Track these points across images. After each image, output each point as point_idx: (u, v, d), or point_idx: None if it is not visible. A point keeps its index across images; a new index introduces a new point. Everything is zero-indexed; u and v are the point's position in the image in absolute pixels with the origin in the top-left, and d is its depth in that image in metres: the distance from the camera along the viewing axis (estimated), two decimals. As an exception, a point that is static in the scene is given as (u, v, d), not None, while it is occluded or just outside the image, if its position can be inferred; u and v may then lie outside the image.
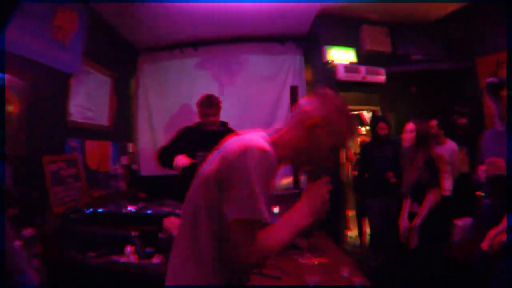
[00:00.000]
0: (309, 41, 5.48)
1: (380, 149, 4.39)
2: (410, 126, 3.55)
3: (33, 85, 3.11)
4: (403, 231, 3.42)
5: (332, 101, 1.46)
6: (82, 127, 3.99)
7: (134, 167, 5.34)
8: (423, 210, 3.31)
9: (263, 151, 1.26)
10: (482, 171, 2.55)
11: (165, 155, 3.64)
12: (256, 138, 1.35)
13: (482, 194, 3.11)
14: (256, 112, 5.42)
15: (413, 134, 3.48)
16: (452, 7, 4.66)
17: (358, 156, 5.13)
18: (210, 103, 3.67)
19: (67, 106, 3.71)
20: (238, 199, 1.23)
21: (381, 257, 4.02)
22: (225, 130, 3.63)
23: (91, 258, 2.69)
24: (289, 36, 5.54)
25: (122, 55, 5.17)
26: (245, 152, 1.25)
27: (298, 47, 5.65)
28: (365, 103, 5.11)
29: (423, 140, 3.48)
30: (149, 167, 5.35)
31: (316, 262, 2.49)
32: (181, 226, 1.43)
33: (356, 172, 5.09)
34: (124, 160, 4.98)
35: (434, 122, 4.18)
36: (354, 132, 1.56)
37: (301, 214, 1.38)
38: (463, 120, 4.60)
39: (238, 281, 1.39)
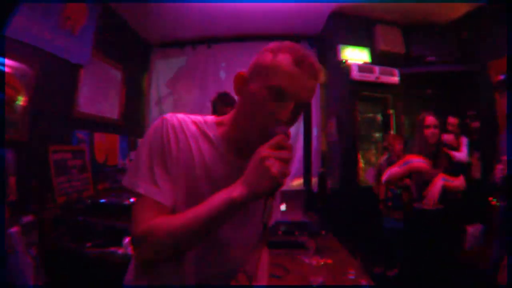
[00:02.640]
0: (322, 40, 5.42)
1: None
2: (431, 119, 3.13)
3: (41, 73, 3.07)
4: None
5: (265, 47, 1.08)
6: (91, 119, 3.96)
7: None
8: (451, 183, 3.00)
9: (161, 119, 1.10)
10: (499, 170, 2.40)
11: None
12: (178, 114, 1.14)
13: (494, 199, 2.98)
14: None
15: (437, 130, 3.10)
16: (464, 8, 4.55)
17: None
18: (227, 102, 3.50)
19: (75, 97, 3.67)
20: (129, 168, 1.09)
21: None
22: None
23: (88, 248, 2.62)
24: (303, 35, 5.46)
25: (134, 50, 5.16)
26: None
27: (311, 46, 5.56)
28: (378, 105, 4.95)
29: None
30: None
31: (321, 263, 2.37)
32: None
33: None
34: (133, 155, 4.91)
35: (455, 120, 3.89)
36: (307, 67, 0.99)
37: (227, 189, 0.97)
38: (476, 124, 4.43)
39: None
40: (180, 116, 1.13)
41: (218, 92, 3.43)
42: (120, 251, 2.57)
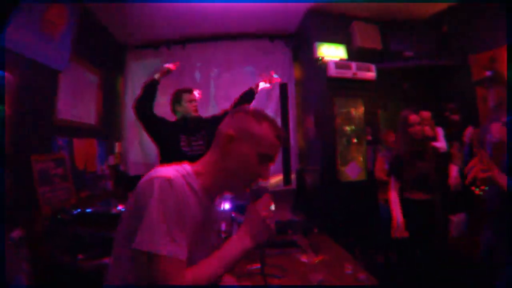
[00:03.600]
0: (298, 38, 5.49)
1: None
2: (414, 117, 3.25)
3: (21, 80, 3.03)
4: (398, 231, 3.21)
5: (244, 111, 1.41)
6: (69, 125, 3.92)
7: (121, 167, 5.19)
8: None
9: (165, 180, 1.21)
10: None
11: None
12: (165, 170, 1.28)
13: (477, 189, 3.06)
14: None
15: (420, 126, 3.22)
16: (444, 4, 4.68)
17: None
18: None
19: (55, 103, 3.63)
20: (139, 229, 1.16)
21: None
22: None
23: (81, 261, 2.57)
24: (278, 34, 5.54)
25: (109, 52, 5.11)
26: (148, 183, 1.21)
27: (287, 44, 5.64)
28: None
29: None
30: (137, 167, 5.24)
31: (317, 260, 2.40)
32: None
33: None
34: (111, 160, 4.84)
35: (427, 114, 4.00)
36: (282, 135, 1.38)
37: (240, 243, 1.29)
38: (456, 117, 4.56)
39: None
40: (174, 174, 1.25)
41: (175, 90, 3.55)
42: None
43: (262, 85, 3.79)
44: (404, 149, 3.26)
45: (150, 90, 3.34)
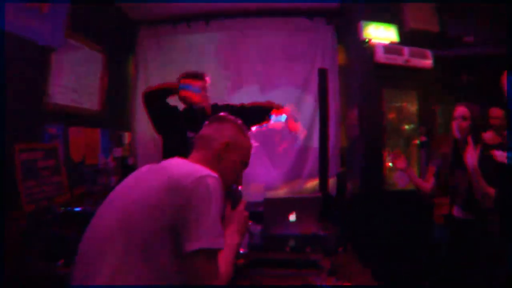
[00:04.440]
0: (341, 16, 5.33)
1: None
2: (461, 110, 3.12)
3: (4, 60, 2.97)
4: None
5: (233, 122, 1.86)
6: (65, 111, 3.89)
7: (130, 160, 5.20)
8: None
9: (216, 178, 1.50)
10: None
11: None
12: (202, 167, 1.57)
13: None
14: (279, 97, 5.30)
15: (468, 122, 3.06)
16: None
17: None
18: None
19: (46, 86, 3.59)
20: (199, 229, 1.38)
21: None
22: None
23: (59, 267, 2.55)
24: (318, 10, 5.36)
25: (117, 28, 5.06)
26: (201, 180, 1.45)
27: (329, 23, 5.47)
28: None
29: (479, 127, 3.11)
30: (148, 160, 5.25)
31: (338, 286, 2.29)
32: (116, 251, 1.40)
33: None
34: (118, 152, 4.85)
35: (499, 112, 3.76)
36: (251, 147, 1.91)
37: (231, 239, 1.64)
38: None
39: None
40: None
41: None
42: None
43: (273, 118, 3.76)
44: (444, 151, 3.15)
45: (165, 94, 3.41)
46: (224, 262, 1.49)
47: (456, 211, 3.10)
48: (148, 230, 1.39)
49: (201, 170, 1.51)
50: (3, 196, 2.83)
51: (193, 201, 1.39)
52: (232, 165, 1.78)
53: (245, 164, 1.86)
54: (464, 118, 3.06)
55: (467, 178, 2.95)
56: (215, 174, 1.51)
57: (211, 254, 1.41)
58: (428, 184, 3.37)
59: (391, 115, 4.62)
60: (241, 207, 1.78)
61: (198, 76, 3.48)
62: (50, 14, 3.44)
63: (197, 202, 1.39)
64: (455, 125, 3.11)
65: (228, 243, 1.57)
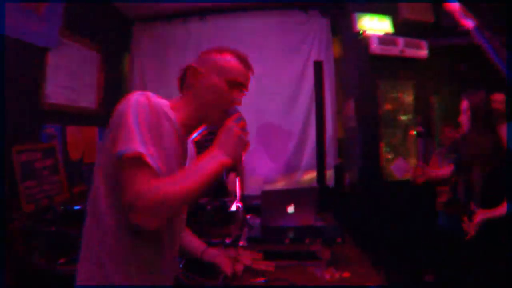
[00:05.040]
0: (336, 7, 5.34)
1: None
2: (462, 103, 3.15)
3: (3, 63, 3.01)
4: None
5: (206, 50, 1.67)
6: (63, 110, 3.91)
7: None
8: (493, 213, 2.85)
9: (138, 94, 1.39)
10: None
11: None
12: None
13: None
14: (276, 90, 5.33)
15: (468, 114, 3.09)
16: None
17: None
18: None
19: (42, 86, 3.61)
20: (116, 139, 1.30)
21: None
22: None
23: (60, 265, 2.58)
24: (313, 3, 5.40)
25: (112, 26, 5.08)
26: (124, 99, 1.39)
27: (324, 15, 5.49)
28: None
29: (484, 118, 3.04)
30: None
31: (338, 277, 2.32)
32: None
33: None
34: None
35: (500, 96, 3.75)
36: (247, 64, 1.66)
37: (213, 156, 1.43)
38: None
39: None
40: (152, 95, 1.44)
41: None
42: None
43: None
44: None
45: None
46: (172, 181, 1.32)
47: (475, 207, 3.04)
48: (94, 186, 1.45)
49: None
50: (3, 198, 2.85)
51: (114, 118, 1.37)
52: (212, 89, 1.56)
53: (233, 82, 1.59)
54: (464, 111, 3.10)
55: (481, 176, 2.97)
56: (141, 92, 1.42)
57: (128, 160, 1.26)
58: (445, 170, 3.43)
59: (388, 106, 4.65)
60: (229, 120, 1.52)
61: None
62: (46, 14, 3.47)
63: (116, 118, 1.36)
64: (460, 121, 3.17)
65: (194, 163, 1.46)
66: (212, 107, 1.57)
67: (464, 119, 3.11)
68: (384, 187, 4.53)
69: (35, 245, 2.73)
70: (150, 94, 1.42)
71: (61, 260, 2.63)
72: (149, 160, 1.26)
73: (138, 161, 1.26)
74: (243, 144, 1.47)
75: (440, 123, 4.68)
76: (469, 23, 2.76)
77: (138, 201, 1.22)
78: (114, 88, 5.03)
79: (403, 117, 4.73)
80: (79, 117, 4.20)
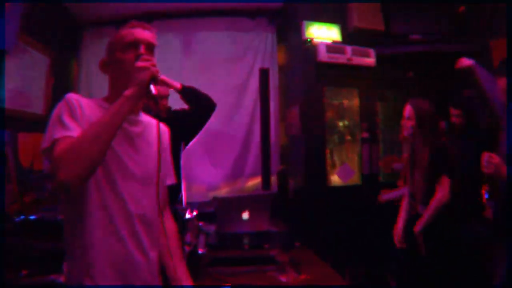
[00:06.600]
0: (284, 16, 5.45)
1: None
2: (407, 110, 3.26)
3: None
4: (396, 239, 3.28)
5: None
6: (14, 116, 3.86)
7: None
8: (426, 212, 3.04)
9: (62, 99, 1.55)
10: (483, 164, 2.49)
11: None
12: None
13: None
14: (220, 99, 5.36)
15: (412, 121, 3.21)
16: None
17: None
18: None
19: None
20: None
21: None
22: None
23: (23, 277, 2.56)
24: (261, 10, 5.47)
25: (63, 30, 5.02)
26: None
27: (270, 23, 5.60)
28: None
29: (427, 124, 3.19)
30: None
31: (299, 279, 2.43)
32: None
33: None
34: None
35: (456, 111, 3.83)
36: (130, 24, 1.72)
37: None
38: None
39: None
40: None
41: None
42: (61, 279, 2.53)
43: None
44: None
45: None
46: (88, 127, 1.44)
47: (421, 209, 3.19)
48: None
49: None
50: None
51: None
52: (120, 64, 1.62)
53: (125, 45, 1.63)
54: (408, 118, 3.24)
55: (422, 177, 3.17)
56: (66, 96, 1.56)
57: (48, 152, 1.42)
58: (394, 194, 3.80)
59: (332, 113, 4.78)
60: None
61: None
62: (6, 16, 3.39)
63: None
64: (402, 124, 3.31)
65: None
66: (128, 76, 1.53)
67: (407, 123, 3.27)
68: (330, 192, 4.66)
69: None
70: (68, 94, 1.58)
71: (24, 272, 2.60)
72: (68, 134, 1.42)
73: (55, 143, 1.39)
74: (148, 72, 1.48)
75: (385, 129, 4.85)
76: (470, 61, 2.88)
77: (54, 152, 1.37)
78: (63, 93, 4.92)
79: (347, 123, 4.86)
80: (29, 123, 4.14)
